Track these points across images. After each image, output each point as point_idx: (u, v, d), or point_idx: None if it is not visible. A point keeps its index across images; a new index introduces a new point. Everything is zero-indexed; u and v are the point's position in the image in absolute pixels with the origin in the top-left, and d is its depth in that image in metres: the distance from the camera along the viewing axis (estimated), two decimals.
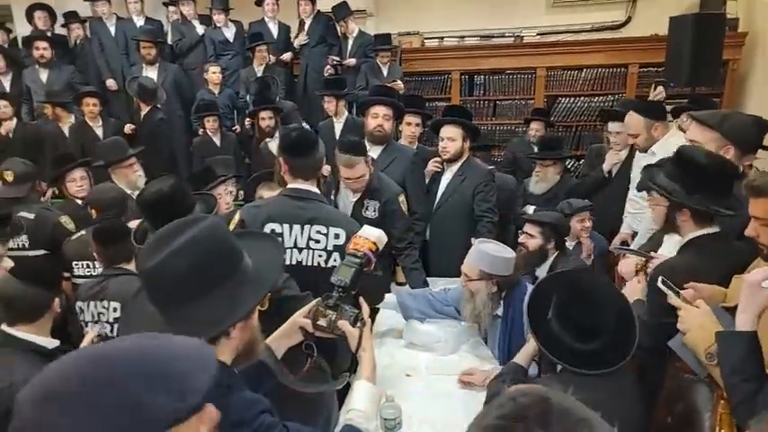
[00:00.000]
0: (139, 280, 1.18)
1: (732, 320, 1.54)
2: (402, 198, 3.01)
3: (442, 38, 6.78)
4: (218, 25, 6.17)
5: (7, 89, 5.71)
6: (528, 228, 3.01)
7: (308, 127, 5.02)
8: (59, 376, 0.71)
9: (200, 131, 5.43)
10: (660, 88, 5.23)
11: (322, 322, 1.49)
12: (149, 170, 4.12)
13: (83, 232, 3.04)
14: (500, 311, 2.41)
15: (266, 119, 4.83)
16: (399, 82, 5.71)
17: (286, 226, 2.20)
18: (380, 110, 3.50)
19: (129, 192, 3.49)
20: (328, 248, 2.19)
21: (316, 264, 2.21)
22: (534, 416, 0.66)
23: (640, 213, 3.45)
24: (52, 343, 2.07)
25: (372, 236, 1.64)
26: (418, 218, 3.30)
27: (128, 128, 5.33)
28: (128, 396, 0.66)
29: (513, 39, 6.60)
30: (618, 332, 1.72)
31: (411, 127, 3.94)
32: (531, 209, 3.10)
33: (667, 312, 1.76)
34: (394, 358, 2.45)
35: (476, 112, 6.08)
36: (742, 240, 1.80)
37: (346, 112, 4.97)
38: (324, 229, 2.20)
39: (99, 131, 5.06)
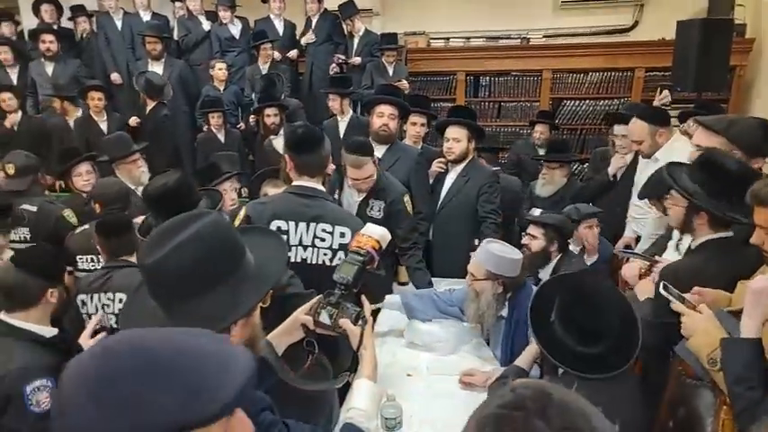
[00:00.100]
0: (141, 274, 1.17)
1: (736, 324, 1.53)
2: (407, 198, 3.01)
3: (448, 38, 6.77)
4: (224, 22, 6.17)
5: (14, 82, 5.72)
6: (531, 229, 3.00)
7: None
8: (94, 362, 0.69)
9: (205, 128, 5.43)
10: (666, 92, 5.22)
11: (323, 319, 1.48)
12: (153, 166, 4.13)
13: (86, 226, 3.04)
14: (504, 313, 2.40)
15: (271, 116, 4.84)
16: (404, 82, 5.71)
17: (292, 223, 2.20)
18: (386, 109, 3.49)
19: (132, 187, 3.49)
20: (333, 247, 2.19)
21: (321, 262, 2.21)
22: (534, 406, 0.66)
23: (644, 218, 3.44)
24: (50, 331, 2.08)
25: (376, 234, 1.63)
26: (422, 218, 3.29)
27: (133, 120, 5.33)
28: (144, 392, 0.65)
29: (519, 40, 6.58)
30: (621, 335, 1.71)
31: (416, 127, 3.93)
32: (537, 211, 3.09)
33: (672, 313, 1.75)
34: (395, 357, 2.45)
35: (480, 114, 6.07)
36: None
37: (351, 111, 4.96)
38: (329, 228, 2.20)
39: (103, 126, 5.07)
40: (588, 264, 3.30)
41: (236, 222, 2.19)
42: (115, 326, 2.38)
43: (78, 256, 2.98)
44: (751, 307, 1.48)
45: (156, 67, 5.72)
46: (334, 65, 6.05)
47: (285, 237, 2.20)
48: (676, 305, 1.73)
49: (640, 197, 3.29)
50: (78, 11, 6.30)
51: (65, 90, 5.29)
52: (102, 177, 3.66)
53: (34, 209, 3.26)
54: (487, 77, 6.41)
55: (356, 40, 6.10)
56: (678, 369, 1.82)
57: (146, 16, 6.30)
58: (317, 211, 2.21)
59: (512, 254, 2.38)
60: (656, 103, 5.08)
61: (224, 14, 6.12)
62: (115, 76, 6.16)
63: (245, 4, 6.33)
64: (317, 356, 1.53)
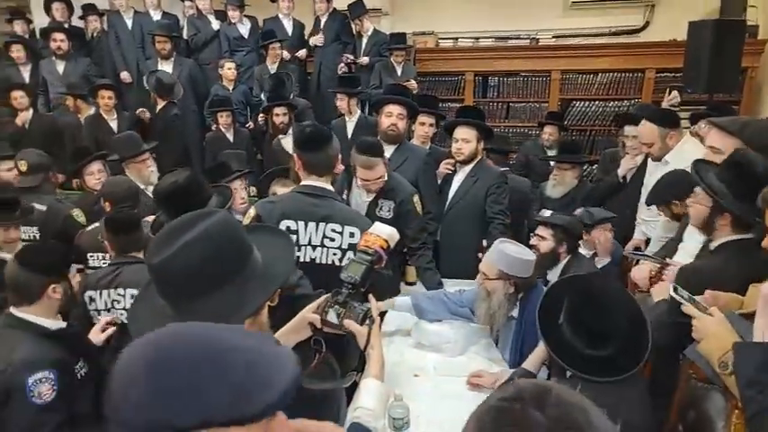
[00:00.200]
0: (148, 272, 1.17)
1: (749, 326, 1.51)
2: (416, 198, 3.00)
3: (457, 38, 6.75)
4: (233, 21, 6.18)
5: (27, 80, 5.77)
6: (540, 230, 2.98)
7: None
8: (151, 349, 0.70)
9: (214, 127, 5.45)
10: (675, 93, 5.18)
11: (331, 318, 1.48)
12: (162, 165, 4.15)
13: (97, 224, 3.05)
14: (515, 313, 2.39)
15: (280, 115, 4.84)
16: (413, 82, 5.70)
17: (301, 223, 2.20)
18: (394, 109, 3.48)
19: (141, 187, 3.51)
20: (343, 247, 2.19)
21: (330, 262, 2.21)
22: (532, 398, 0.69)
23: (654, 221, 3.41)
24: (55, 324, 2.09)
25: (384, 233, 1.62)
26: (431, 218, 3.28)
27: (142, 112, 5.33)
28: (195, 382, 0.65)
29: (528, 41, 6.56)
30: (630, 337, 1.70)
31: (424, 127, 3.92)
32: (547, 212, 3.07)
33: (685, 314, 1.73)
34: (403, 357, 2.44)
35: (489, 114, 6.05)
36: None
37: (359, 111, 4.96)
38: (339, 228, 2.20)
39: (113, 124, 5.10)
40: (599, 266, 3.27)
41: (246, 221, 2.19)
42: (126, 321, 2.39)
43: (89, 254, 3.00)
44: (763, 310, 1.47)
45: (166, 66, 5.75)
46: (342, 64, 6.05)
47: (294, 236, 2.20)
48: (687, 308, 1.71)
49: (648, 203, 3.27)
50: (89, 9, 6.33)
51: (80, 88, 5.32)
52: (111, 176, 3.68)
53: (44, 208, 3.28)
54: (496, 78, 6.39)
55: (365, 40, 6.10)
56: (689, 372, 1.80)
57: (156, 15, 6.33)
58: (327, 210, 2.21)
59: (525, 254, 2.37)
60: (664, 104, 5.05)
61: (233, 14, 6.14)
62: (125, 75, 6.19)
63: (254, 3, 6.34)
64: (324, 355, 1.53)
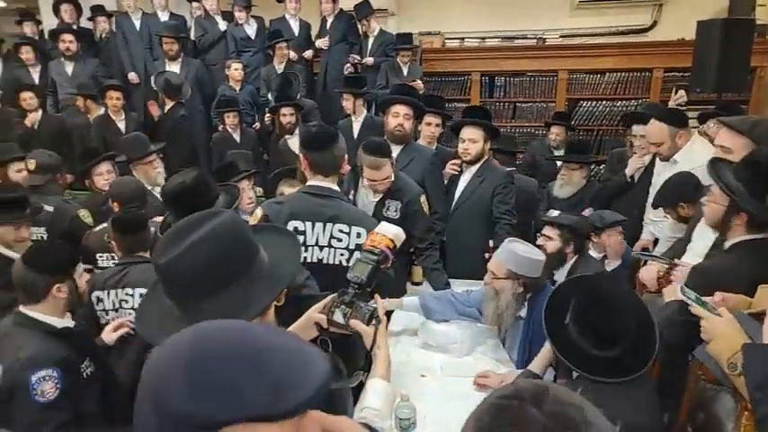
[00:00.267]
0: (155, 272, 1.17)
1: (759, 327, 1.50)
2: (423, 198, 2.99)
3: (463, 38, 6.74)
4: (239, 22, 6.20)
5: (36, 81, 5.81)
6: (546, 230, 2.97)
7: None
8: (188, 343, 0.71)
9: (220, 127, 5.47)
10: (681, 92, 5.15)
11: (337, 318, 1.48)
12: (170, 165, 4.16)
13: (104, 225, 3.07)
14: (523, 313, 2.38)
15: (287, 115, 4.85)
16: (419, 82, 5.69)
17: (308, 224, 2.20)
18: (401, 109, 3.48)
19: (149, 188, 3.52)
20: (350, 247, 2.20)
21: (337, 262, 2.21)
22: (530, 396, 0.71)
23: (662, 221, 3.39)
24: (62, 322, 2.10)
25: (390, 233, 1.62)
26: (438, 218, 3.28)
27: (154, 109, 5.33)
28: (232, 379, 0.67)
29: (535, 41, 6.54)
30: (638, 338, 1.69)
31: (431, 127, 3.91)
32: (554, 213, 3.05)
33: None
34: (409, 357, 2.44)
35: (495, 114, 6.04)
36: None
37: (365, 111, 4.96)
38: (346, 228, 2.20)
39: (121, 125, 5.12)
40: (609, 269, 3.25)
41: (254, 222, 2.19)
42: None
43: (98, 254, 3.00)
44: None
45: (173, 67, 5.77)
46: (348, 65, 6.05)
47: (302, 237, 2.21)
48: (695, 308, 1.70)
49: (654, 206, 3.26)
50: (98, 11, 6.38)
51: (87, 89, 5.35)
52: (119, 177, 3.70)
53: (51, 208, 3.30)
54: (503, 78, 6.38)
55: (371, 41, 6.10)
56: (698, 373, 1.79)
57: (163, 16, 6.36)
58: (334, 211, 2.21)
59: (535, 254, 2.36)
60: (671, 103, 5.02)
61: (239, 15, 6.16)
62: (132, 76, 6.22)
63: (260, 3, 6.35)
64: (330, 355, 1.53)
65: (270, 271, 1.20)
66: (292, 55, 5.96)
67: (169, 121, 5.25)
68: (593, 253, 3.35)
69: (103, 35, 6.38)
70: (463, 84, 6.47)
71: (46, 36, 6.46)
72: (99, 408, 2.12)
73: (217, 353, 0.69)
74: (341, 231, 2.21)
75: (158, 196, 3.47)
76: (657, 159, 3.51)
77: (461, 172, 3.48)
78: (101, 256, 3.00)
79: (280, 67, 5.79)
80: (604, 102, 6.14)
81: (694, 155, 3.14)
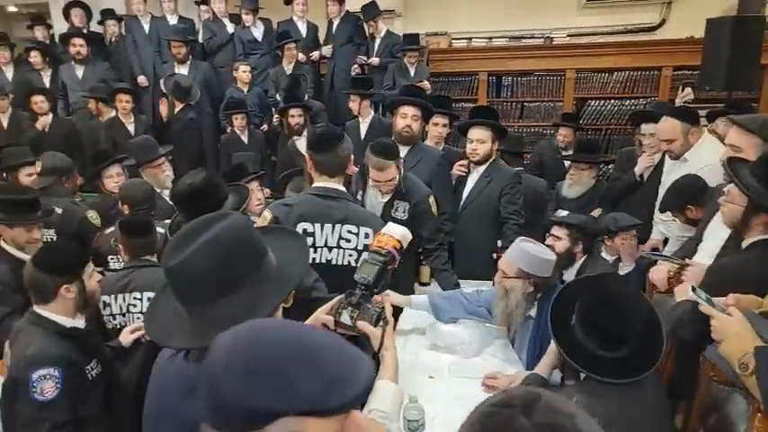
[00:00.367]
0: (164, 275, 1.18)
1: None
2: (432, 199, 2.99)
3: (470, 38, 6.73)
4: (246, 25, 6.23)
5: (47, 85, 5.87)
6: (555, 230, 2.96)
7: None
8: (246, 335, 0.75)
9: (228, 129, 5.49)
10: (688, 89, 5.12)
11: (344, 320, 1.48)
12: (178, 167, 4.19)
13: (114, 228, 3.09)
14: (533, 313, 2.36)
15: (295, 116, 4.86)
16: (426, 82, 5.69)
17: (317, 225, 2.21)
18: (409, 110, 3.48)
19: (157, 191, 3.54)
20: (358, 248, 2.21)
21: (346, 263, 2.22)
22: (521, 405, 0.70)
23: (671, 220, 3.36)
24: (72, 323, 2.11)
25: (397, 233, 1.61)
26: (446, 218, 3.28)
27: (163, 110, 5.39)
28: (289, 372, 0.69)
29: (542, 40, 6.51)
30: (645, 338, 1.68)
31: (438, 127, 3.91)
32: (563, 213, 3.04)
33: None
34: (418, 358, 2.43)
35: (503, 114, 6.03)
36: None
37: (372, 113, 4.97)
38: (355, 229, 2.21)
39: (131, 128, 5.17)
40: (622, 273, 3.23)
41: (263, 224, 2.20)
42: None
43: (110, 257, 3.03)
44: None
45: (182, 70, 5.81)
46: (355, 66, 6.06)
47: (311, 238, 2.22)
48: (705, 307, 1.69)
49: (661, 210, 3.23)
50: (108, 15, 6.44)
51: (98, 92, 5.40)
52: (128, 179, 3.72)
53: (60, 210, 3.32)
54: (510, 78, 6.35)
55: (377, 42, 6.10)
56: (710, 375, 1.77)
57: (172, 20, 6.40)
58: (343, 212, 2.22)
59: (546, 254, 2.34)
60: (678, 101, 4.99)
61: (246, 17, 6.19)
62: (142, 79, 6.27)
63: (268, 5, 6.38)
64: None
65: (278, 273, 1.20)
66: (301, 56, 5.97)
67: (178, 123, 5.28)
68: (605, 256, 3.33)
69: (113, 39, 6.43)
70: (470, 84, 6.46)
71: (56, 40, 6.52)
72: (101, 410, 2.11)
73: (273, 346, 0.72)
74: (349, 232, 2.22)
75: (167, 199, 3.50)
76: (667, 158, 3.48)
77: (469, 172, 3.48)
78: (112, 258, 3.02)
79: (288, 67, 5.81)
80: (613, 101, 6.10)
81: (704, 153, 3.11)
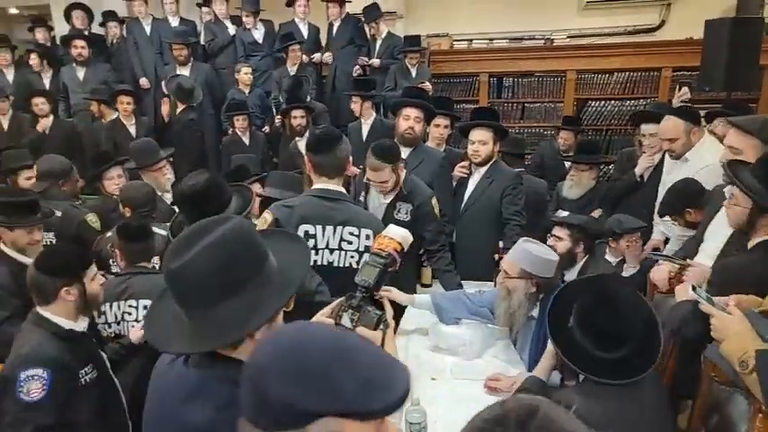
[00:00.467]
0: (163, 279, 1.18)
1: None
2: (434, 201, 2.99)
3: (471, 40, 6.74)
4: (247, 27, 6.23)
5: (47, 87, 5.87)
6: (556, 230, 2.97)
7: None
8: (287, 336, 0.78)
9: (230, 131, 5.50)
10: (685, 89, 5.13)
11: (345, 323, 1.47)
12: (180, 169, 4.19)
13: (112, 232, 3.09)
14: (535, 313, 2.36)
15: (297, 117, 4.85)
16: (428, 83, 5.69)
17: (319, 227, 2.22)
18: (412, 112, 3.49)
19: (158, 194, 3.54)
20: (360, 249, 2.22)
21: (347, 265, 2.23)
22: (515, 422, 0.67)
23: (672, 224, 3.36)
24: (71, 324, 2.12)
25: (398, 235, 1.61)
26: (447, 220, 3.28)
27: (165, 110, 5.39)
28: (329, 374, 0.71)
29: (543, 41, 6.52)
30: (645, 338, 1.68)
31: (439, 129, 3.92)
32: (563, 214, 3.04)
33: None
34: (420, 360, 2.43)
35: (504, 115, 6.03)
36: None
37: (374, 114, 4.98)
38: (356, 231, 2.22)
39: (132, 129, 5.18)
40: (626, 275, 3.23)
41: (263, 226, 2.20)
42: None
43: (111, 260, 3.02)
44: None
45: (183, 72, 5.82)
46: (357, 67, 6.07)
47: (312, 240, 2.22)
48: (705, 306, 1.70)
49: (661, 214, 3.23)
50: (109, 16, 6.44)
51: (100, 94, 5.41)
52: (129, 181, 3.72)
53: (59, 213, 3.32)
54: (511, 79, 6.36)
55: (378, 43, 6.11)
56: (711, 375, 1.78)
57: (174, 22, 6.40)
58: (344, 214, 2.23)
59: (548, 254, 2.35)
60: (675, 100, 4.99)
61: (247, 20, 6.19)
62: (144, 81, 6.27)
63: (270, 7, 6.38)
64: None
65: (279, 276, 1.19)
66: (305, 58, 5.97)
67: (178, 124, 5.29)
68: (609, 257, 3.33)
69: (114, 40, 6.44)
70: (471, 85, 6.46)
71: (58, 42, 6.53)
72: (96, 416, 2.10)
73: (316, 348, 0.73)
74: (351, 234, 2.23)
75: (168, 202, 3.50)
76: (667, 158, 3.48)
77: (470, 174, 3.48)
78: (113, 262, 3.02)
79: (293, 69, 5.80)
80: (613, 101, 6.10)
81: (705, 153, 3.12)
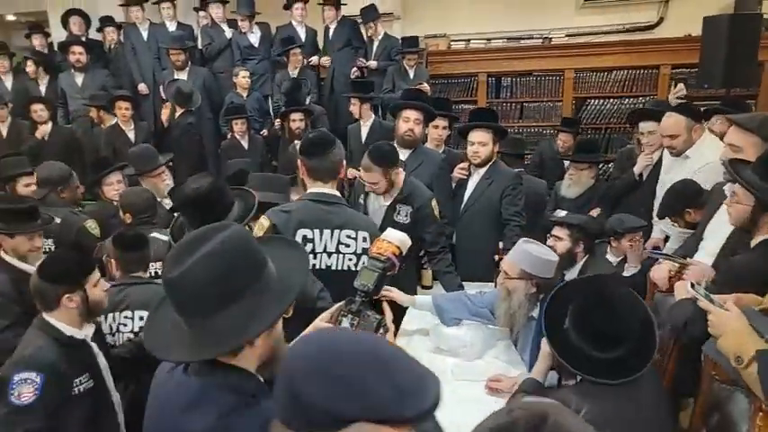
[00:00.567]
0: (160, 287, 1.18)
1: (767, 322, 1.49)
2: (434, 203, 2.99)
3: (469, 40, 6.74)
4: (243, 31, 6.23)
5: (43, 94, 5.87)
6: (556, 230, 2.96)
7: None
8: (316, 342, 0.79)
9: (229, 135, 5.50)
10: (680, 85, 5.13)
11: (344, 327, 1.48)
12: (179, 173, 4.19)
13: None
14: (535, 313, 2.36)
15: (297, 121, 4.86)
16: (426, 84, 5.69)
17: (317, 231, 2.23)
18: (411, 114, 3.49)
19: (158, 200, 3.53)
20: (357, 252, 2.23)
21: (345, 268, 2.24)
22: (524, 429, 0.66)
23: (672, 225, 3.35)
24: (73, 331, 2.13)
25: (396, 239, 1.61)
26: (447, 221, 3.28)
27: (164, 115, 5.40)
28: (362, 378, 0.71)
29: (541, 40, 6.52)
30: (641, 338, 1.68)
31: (438, 130, 3.92)
32: (562, 213, 3.03)
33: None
34: (420, 361, 2.42)
35: (503, 115, 6.04)
36: None
37: (373, 116, 4.98)
38: (353, 234, 2.23)
39: (131, 135, 5.17)
40: (627, 275, 3.23)
41: (261, 232, 2.20)
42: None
43: None
44: None
45: (181, 76, 5.81)
46: (355, 69, 6.07)
47: (310, 245, 2.22)
48: (703, 303, 1.70)
49: (660, 217, 3.22)
50: (107, 22, 6.43)
51: (99, 100, 5.41)
52: (129, 187, 3.71)
53: (58, 220, 3.31)
54: (509, 78, 6.36)
55: (375, 44, 6.11)
56: (711, 373, 1.78)
57: (171, 27, 6.40)
58: (341, 218, 2.24)
59: (548, 255, 2.35)
60: (671, 96, 4.98)
61: (242, 24, 6.18)
62: (142, 87, 6.27)
63: (266, 10, 6.38)
64: None
65: (278, 284, 1.19)
66: (304, 61, 5.96)
67: (177, 129, 5.29)
68: (610, 257, 3.32)
69: (112, 46, 6.43)
70: (469, 85, 6.46)
71: (55, 48, 6.53)
72: (87, 427, 2.09)
73: (352, 354, 0.74)
74: (348, 237, 2.24)
75: (167, 208, 3.50)
76: (665, 156, 3.47)
77: (470, 175, 3.48)
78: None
79: (294, 72, 5.80)
80: (612, 100, 6.10)
81: (706, 151, 3.11)
